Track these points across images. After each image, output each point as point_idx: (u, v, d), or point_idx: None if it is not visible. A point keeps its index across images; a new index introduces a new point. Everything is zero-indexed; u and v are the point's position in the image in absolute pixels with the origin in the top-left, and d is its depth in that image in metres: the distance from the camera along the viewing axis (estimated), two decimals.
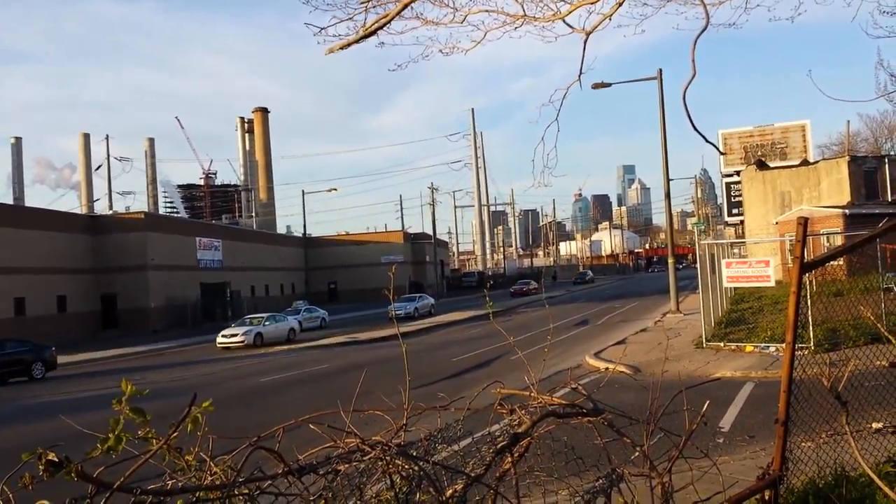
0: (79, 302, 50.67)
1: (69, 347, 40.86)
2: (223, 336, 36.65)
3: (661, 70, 31.31)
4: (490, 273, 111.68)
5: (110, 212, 69.68)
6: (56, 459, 2.42)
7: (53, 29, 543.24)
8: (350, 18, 6.84)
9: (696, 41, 6.60)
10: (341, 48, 6.96)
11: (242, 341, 35.83)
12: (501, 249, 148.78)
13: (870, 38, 9.39)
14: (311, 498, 3.09)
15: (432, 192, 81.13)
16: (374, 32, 6.82)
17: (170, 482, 2.96)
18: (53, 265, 48.24)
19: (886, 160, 47.81)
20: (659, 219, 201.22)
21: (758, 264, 19.68)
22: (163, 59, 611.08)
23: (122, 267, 52.52)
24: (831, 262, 5.12)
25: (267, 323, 38.28)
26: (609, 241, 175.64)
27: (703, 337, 20.15)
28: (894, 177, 46.06)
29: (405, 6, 6.67)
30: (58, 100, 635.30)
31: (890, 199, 44.85)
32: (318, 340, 36.23)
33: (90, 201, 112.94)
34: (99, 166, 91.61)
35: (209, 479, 2.97)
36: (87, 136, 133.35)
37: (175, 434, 2.81)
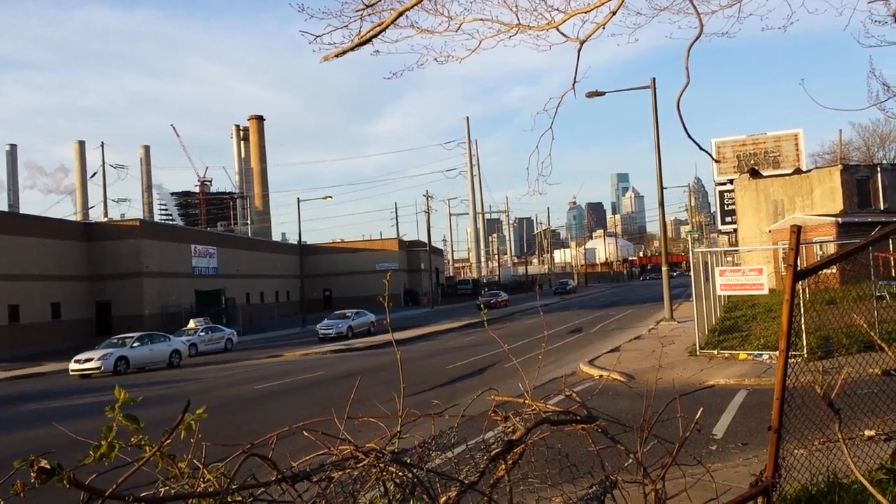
0: (73, 309, 50.51)
1: (63, 355, 40.71)
2: (76, 361, 30.72)
3: (654, 79, 31.41)
4: (485, 280, 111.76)
5: (105, 219, 69.53)
6: (48, 467, 2.41)
7: (50, 36, 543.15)
8: (345, 26, 6.87)
9: (689, 49, 6.65)
10: (336, 56, 6.98)
11: (99, 367, 30.01)
12: (496, 257, 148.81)
13: (862, 48, 9.41)
14: None
15: (427, 199, 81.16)
16: (369, 40, 6.85)
17: (163, 489, 2.95)
18: (48, 272, 48.09)
19: (879, 169, 48.00)
20: (653, 227, 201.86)
21: (751, 272, 19.71)
22: (159, 66, 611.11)
23: (117, 274, 52.38)
24: (824, 271, 5.15)
25: (136, 345, 32.08)
26: (603, 248, 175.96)
27: (697, 345, 20.16)
28: (886, 185, 46.25)
29: (400, 14, 6.70)
30: (53, 107, 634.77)
31: (882, 208, 45.01)
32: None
33: (85, 208, 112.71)
34: (94, 174, 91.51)
35: (202, 486, 2.96)
36: (82, 144, 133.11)
37: (168, 441, 2.81)
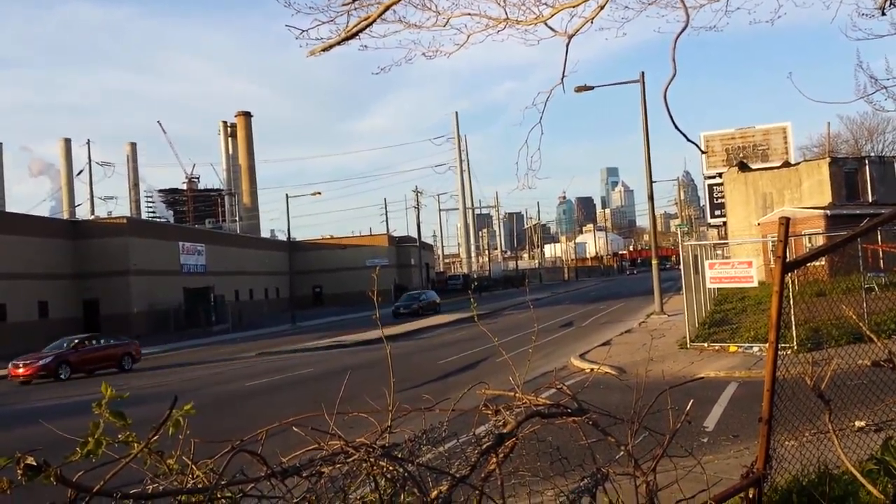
0: (60, 308, 50.13)
1: None
2: None
3: (643, 73, 31.44)
4: (475, 276, 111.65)
5: (92, 217, 69.07)
6: (34, 464, 2.39)
7: (30, 32, 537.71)
8: (332, 21, 6.82)
9: (675, 40, 6.65)
10: (323, 50, 6.94)
11: None
12: (486, 252, 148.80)
13: (849, 41, 9.46)
14: (295, 500, 3.07)
15: (417, 195, 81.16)
16: (355, 35, 6.80)
17: (151, 486, 2.93)
18: (35, 271, 47.72)
19: (866, 161, 48.27)
20: (643, 220, 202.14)
21: (741, 265, 19.80)
22: (144, 63, 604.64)
23: (105, 272, 52.02)
24: (813, 263, 5.16)
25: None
26: (593, 242, 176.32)
27: (687, 337, 20.23)
28: (874, 178, 46.53)
29: (386, 9, 6.66)
30: (37, 105, 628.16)
31: (870, 200, 45.28)
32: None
33: (72, 206, 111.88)
34: (80, 171, 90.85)
35: (191, 482, 2.94)
36: (68, 141, 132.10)
37: (156, 437, 2.78)
